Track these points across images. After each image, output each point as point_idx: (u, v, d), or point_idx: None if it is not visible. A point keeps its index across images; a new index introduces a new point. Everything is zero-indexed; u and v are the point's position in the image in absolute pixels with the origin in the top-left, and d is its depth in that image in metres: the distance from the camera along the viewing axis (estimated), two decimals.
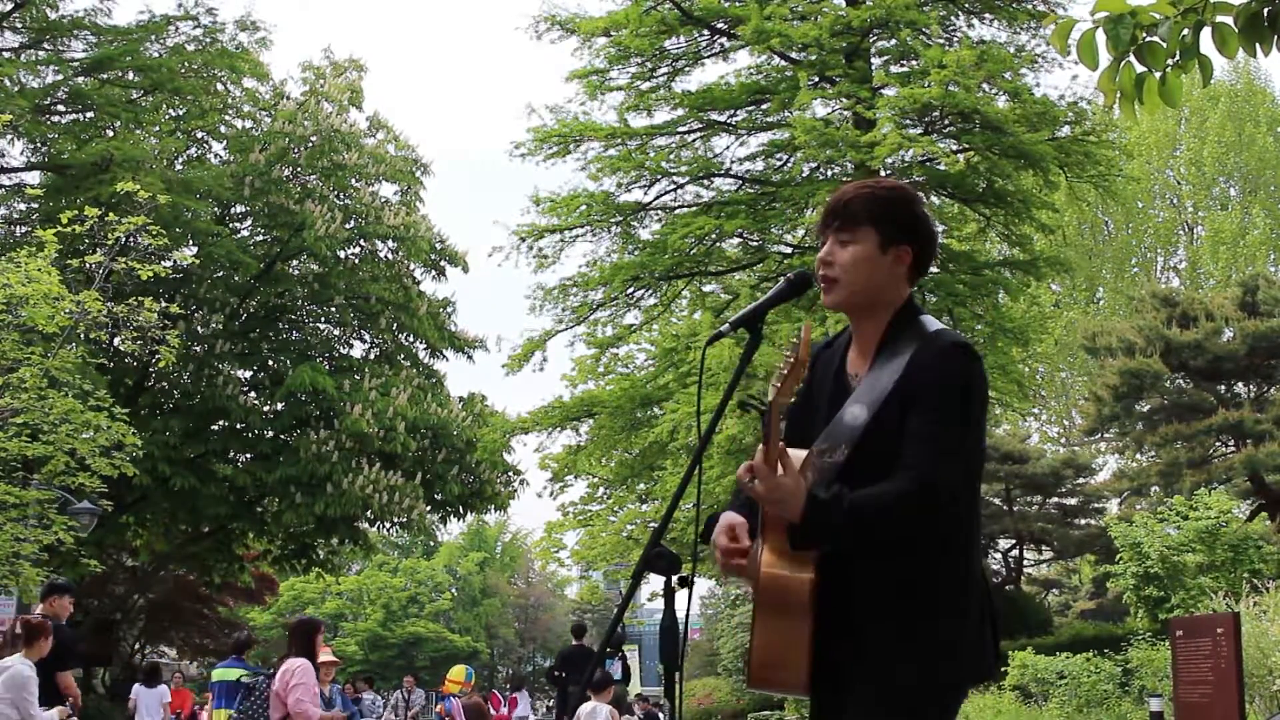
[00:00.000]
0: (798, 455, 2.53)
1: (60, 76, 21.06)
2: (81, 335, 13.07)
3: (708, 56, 17.89)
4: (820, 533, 2.38)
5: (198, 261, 20.66)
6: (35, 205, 20.75)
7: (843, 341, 2.69)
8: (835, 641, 2.44)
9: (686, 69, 17.93)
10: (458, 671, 18.17)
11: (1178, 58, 3.31)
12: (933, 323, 2.56)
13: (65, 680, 8.45)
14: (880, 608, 2.42)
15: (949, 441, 2.37)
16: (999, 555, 28.91)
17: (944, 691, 2.43)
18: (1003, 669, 15.27)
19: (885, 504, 2.37)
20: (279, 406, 22.64)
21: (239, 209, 23.16)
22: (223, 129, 23.07)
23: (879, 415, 2.45)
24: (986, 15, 17.32)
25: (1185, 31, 3.27)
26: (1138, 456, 25.45)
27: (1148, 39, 3.27)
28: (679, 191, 17.84)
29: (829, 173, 16.63)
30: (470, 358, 25.19)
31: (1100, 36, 3.22)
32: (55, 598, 8.96)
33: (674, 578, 2.59)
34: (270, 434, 22.75)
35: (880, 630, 2.41)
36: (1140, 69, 3.32)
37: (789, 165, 17.35)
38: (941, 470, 2.35)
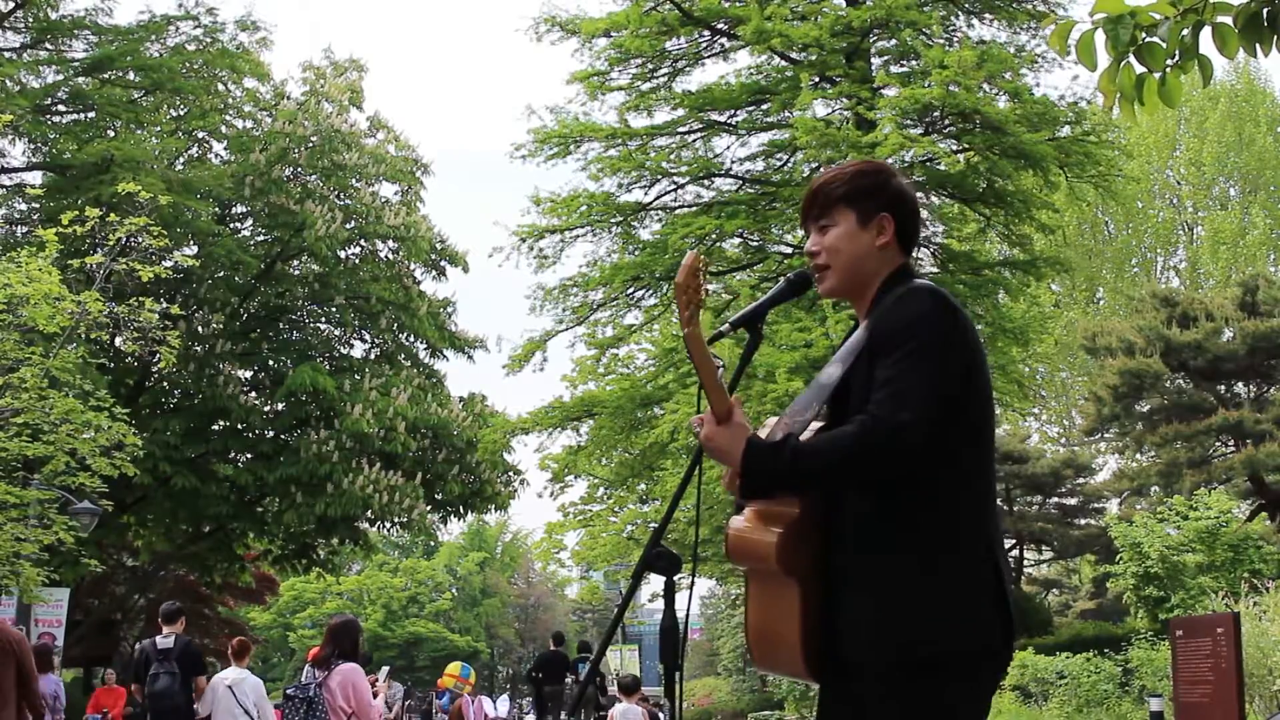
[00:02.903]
0: (771, 423, 2.52)
1: (61, 76, 21.08)
2: (82, 335, 13.07)
3: (708, 57, 17.90)
4: (762, 478, 2.35)
5: (198, 262, 20.63)
6: (36, 205, 20.76)
7: (855, 328, 2.69)
8: (829, 613, 2.39)
9: (687, 69, 17.94)
10: (456, 666, 18.32)
11: (1177, 58, 3.31)
12: (920, 280, 2.51)
13: (201, 683, 9.93)
14: (865, 572, 2.35)
15: (902, 383, 2.30)
16: None
17: (942, 663, 2.30)
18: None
19: (828, 446, 2.33)
20: (279, 406, 22.64)
21: (239, 209, 23.16)
22: (223, 129, 23.06)
23: (850, 371, 2.42)
24: (987, 15, 17.33)
25: (1185, 32, 3.27)
26: (1138, 456, 25.45)
27: (1147, 39, 3.26)
28: (679, 192, 17.85)
29: None
30: (470, 358, 25.20)
31: (1099, 37, 3.22)
32: (182, 619, 10.37)
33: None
34: (270, 434, 22.75)
35: (866, 598, 2.34)
36: (1140, 69, 3.32)
37: (789, 165, 17.37)
38: (888, 411, 2.27)
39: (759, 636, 2.47)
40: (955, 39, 16.66)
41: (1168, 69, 3.32)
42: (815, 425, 2.47)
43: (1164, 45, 3.27)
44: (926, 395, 2.30)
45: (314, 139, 22.22)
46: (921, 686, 2.30)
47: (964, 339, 2.41)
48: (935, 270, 16.47)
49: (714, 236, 17.07)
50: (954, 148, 16.01)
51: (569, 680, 16.77)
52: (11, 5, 20.77)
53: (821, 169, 16.50)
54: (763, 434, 2.44)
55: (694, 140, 17.85)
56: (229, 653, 9.97)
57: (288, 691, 7.79)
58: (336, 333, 24.53)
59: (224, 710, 9.12)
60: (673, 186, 17.74)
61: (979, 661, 2.36)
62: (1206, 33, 3.31)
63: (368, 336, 24.48)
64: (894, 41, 16.56)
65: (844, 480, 2.37)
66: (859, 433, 2.29)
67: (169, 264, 17.29)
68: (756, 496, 2.41)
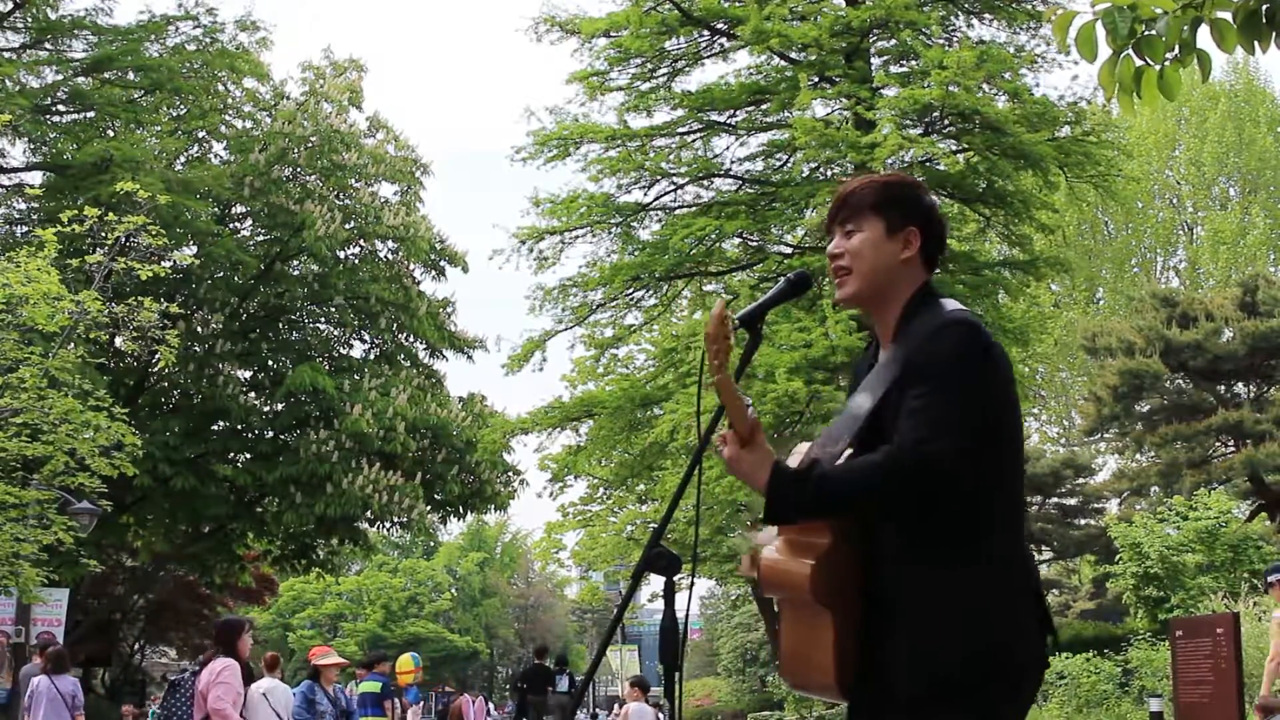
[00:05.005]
0: (803, 450, 2.52)
1: (60, 76, 21.08)
2: (81, 335, 13.06)
3: (708, 57, 17.88)
4: (786, 506, 2.35)
5: (198, 261, 20.65)
6: (35, 205, 20.76)
7: (874, 347, 2.68)
8: (867, 636, 2.39)
9: (686, 69, 17.91)
10: (404, 661, 18.80)
11: (1176, 52, 3.32)
12: (949, 304, 2.51)
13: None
14: (905, 595, 2.36)
15: (932, 413, 2.30)
16: None
17: (984, 678, 2.31)
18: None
19: (854, 475, 2.33)
20: (279, 406, 22.64)
21: (239, 209, 23.17)
22: (223, 129, 23.07)
23: (882, 402, 2.42)
24: (986, 15, 17.31)
25: (1184, 27, 3.27)
26: (1138, 456, 25.45)
27: (1147, 33, 3.27)
28: (679, 192, 17.83)
29: (829, 173, 16.62)
30: (470, 358, 25.22)
31: (1100, 30, 3.23)
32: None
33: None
34: (270, 434, 22.76)
35: (909, 619, 2.34)
36: (1139, 63, 3.33)
37: (789, 165, 17.35)
38: (916, 440, 2.28)
39: (793, 663, 2.46)
40: (955, 39, 16.65)
41: (1166, 63, 3.32)
42: (846, 454, 2.47)
43: (1163, 39, 3.27)
44: (956, 427, 2.30)
45: (313, 139, 22.22)
46: (970, 712, 2.32)
47: (997, 372, 2.42)
48: (935, 270, 16.43)
49: (714, 236, 17.05)
50: (953, 148, 15.99)
51: (551, 691, 18.32)
52: (11, 5, 20.77)
53: (821, 169, 16.53)
54: (794, 461, 2.44)
55: (693, 140, 17.82)
56: (262, 664, 11.07)
57: (170, 679, 8.47)
58: (336, 333, 24.54)
59: (258, 716, 10.08)
60: (672, 187, 17.72)
61: (1023, 680, 2.40)
62: (1205, 28, 3.31)
63: (367, 337, 24.49)
64: (893, 41, 16.53)
65: (869, 508, 2.37)
66: (885, 461, 2.30)
67: (168, 264, 17.28)
68: (780, 523, 2.42)
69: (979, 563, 2.36)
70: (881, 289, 2.56)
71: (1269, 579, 9.05)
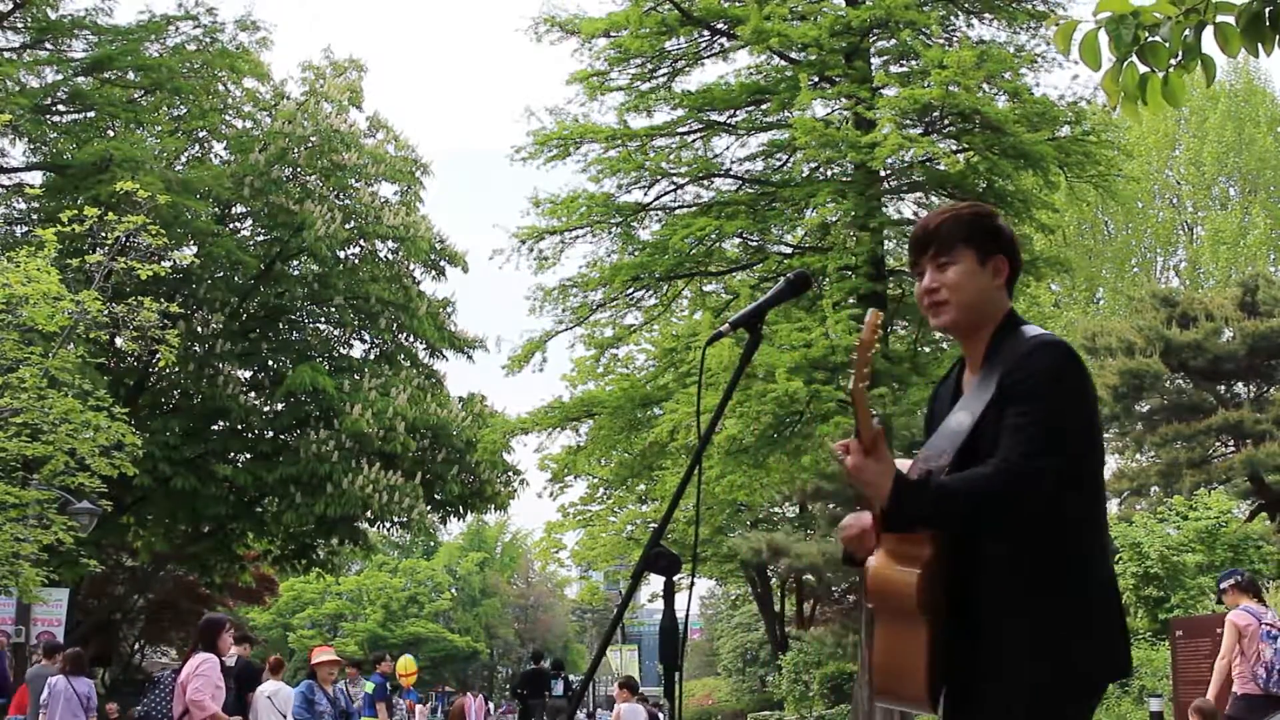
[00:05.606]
0: (904, 464, 2.59)
1: (60, 76, 21.08)
2: (81, 335, 13.07)
3: (708, 57, 17.87)
4: (907, 513, 2.45)
5: (198, 261, 20.66)
6: (35, 205, 20.76)
7: (957, 370, 2.79)
8: (960, 647, 2.47)
9: (686, 69, 17.90)
10: (408, 663, 19.10)
11: (1180, 58, 3.32)
12: (1033, 329, 2.63)
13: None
14: (1004, 606, 2.45)
15: (1036, 430, 2.41)
16: None
17: (1077, 687, 2.45)
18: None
19: (971, 486, 2.42)
20: (279, 406, 22.65)
21: (239, 209, 23.17)
22: (223, 129, 23.07)
23: (981, 421, 2.52)
24: (986, 15, 17.30)
25: (1187, 32, 3.27)
26: (1138, 456, 25.44)
27: (1150, 39, 3.27)
28: (679, 192, 17.81)
29: (829, 173, 16.61)
30: (470, 358, 25.23)
31: (1103, 37, 3.23)
32: (249, 644, 12.47)
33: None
34: (270, 434, 22.76)
35: (1007, 629, 2.44)
36: (1143, 69, 3.33)
37: (789, 165, 17.34)
38: (1023, 456, 2.39)
39: (886, 670, 2.54)
40: (955, 39, 16.63)
41: (1170, 69, 3.32)
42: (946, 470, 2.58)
43: (1167, 45, 3.27)
44: (1059, 444, 2.42)
45: (313, 139, 22.22)
46: (1060, 709, 2.44)
47: (1089, 392, 2.55)
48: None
49: (714, 236, 17.04)
50: (954, 148, 15.98)
51: (547, 696, 19.06)
52: (11, 5, 20.77)
53: (821, 168, 16.52)
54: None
55: (693, 140, 17.81)
56: (267, 667, 11.63)
57: (155, 676, 9.46)
58: (336, 333, 24.54)
59: (265, 716, 10.50)
60: (672, 187, 17.70)
61: (1107, 683, 2.54)
62: (1209, 32, 3.31)
63: (367, 336, 24.49)
64: (893, 41, 16.53)
65: (980, 521, 2.46)
66: (995, 475, 2.41)
67: (168, 264, 17.27)
68: (899, 530, 2.51)
69: (1088, 588, 2.47)
70: (978, 316, 2.68)
71: (1221, 586, 9.10)
